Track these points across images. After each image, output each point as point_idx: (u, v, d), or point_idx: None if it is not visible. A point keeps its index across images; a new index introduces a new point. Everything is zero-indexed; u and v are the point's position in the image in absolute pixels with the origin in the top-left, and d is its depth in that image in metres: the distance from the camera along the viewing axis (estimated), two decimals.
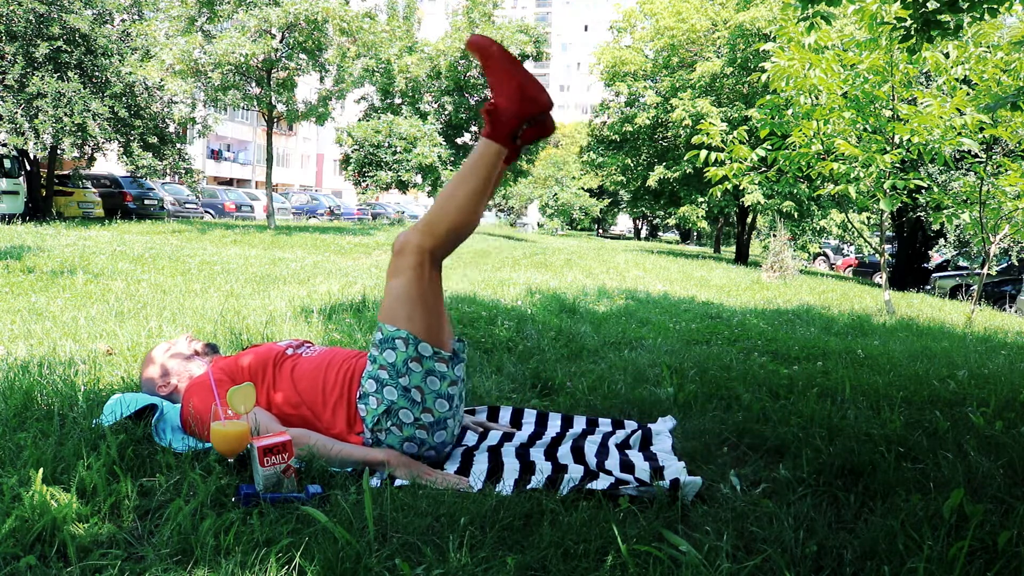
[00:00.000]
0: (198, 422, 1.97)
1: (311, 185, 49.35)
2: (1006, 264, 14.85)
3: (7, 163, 14.61)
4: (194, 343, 2.33)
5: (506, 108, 1.94)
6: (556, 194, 38.57)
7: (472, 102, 23.81)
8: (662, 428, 2.36)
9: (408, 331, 1.93)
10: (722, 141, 8.27)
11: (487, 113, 1.96)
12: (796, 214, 18.22)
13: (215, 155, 40.17)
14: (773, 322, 5.39)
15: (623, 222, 58.20)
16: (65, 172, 17.26)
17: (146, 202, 18.76)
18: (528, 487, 1.80)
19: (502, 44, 1.90)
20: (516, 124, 1.96)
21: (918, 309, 8.69)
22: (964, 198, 8.02)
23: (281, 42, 15.09)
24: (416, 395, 1.94)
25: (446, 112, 23.48)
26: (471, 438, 2.27)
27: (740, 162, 7.56)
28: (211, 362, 2.27)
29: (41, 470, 1.58)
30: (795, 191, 15.28)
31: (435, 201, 2.00)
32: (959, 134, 6.56)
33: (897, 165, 7.31)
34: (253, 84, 15.60)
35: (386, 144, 21.09)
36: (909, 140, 6.72)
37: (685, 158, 12.81)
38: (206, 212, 23.31)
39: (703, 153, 7.21)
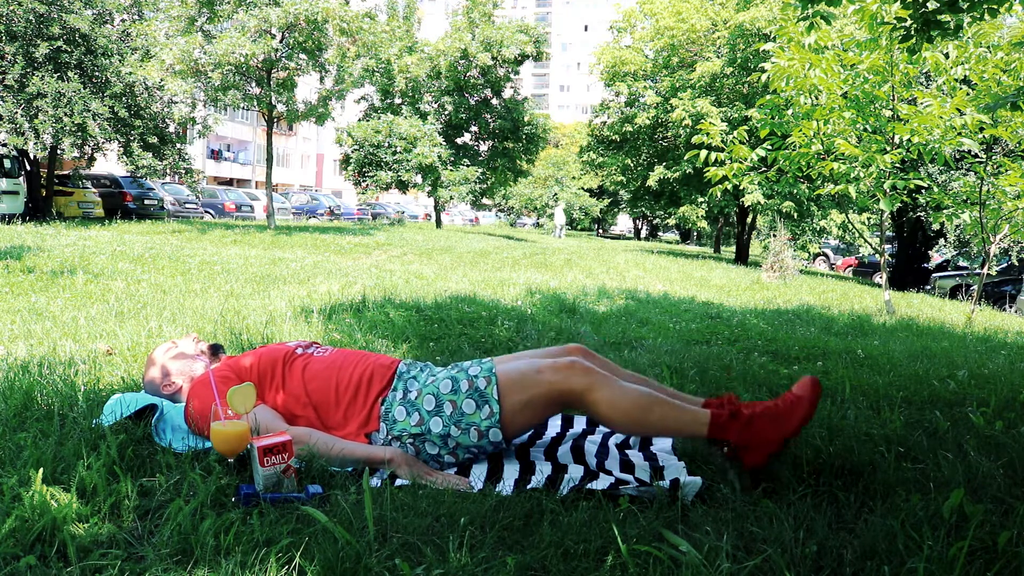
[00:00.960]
0: (199, 422, 1.97)
1: (311, 185, 49.35)
2: (1006, 264, 14.84)
3: (7, 163, 14.61)
4: (200, 344, 2.33)
5: (751, 465, 1.85)
6: (556, 194, 38.56)
7: (472, 102, 23.82)
8: None
9: (501, 414, 1.94)
10: (722, 141, 8.27)
11: (727, 447, 1.88)
12: (796, 214, 18.22)
13: (215, 155, 40.17)
14: (773, 322, 5.39)
15: (623, 222, 58.19)
16: (65, 172, 17.25)
17: (146, 202, 18.76)
18: (528, 487, 1.81)
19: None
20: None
21: (918, 309, 8.69)
22: (964, 198, 8.02)
23: (281, 42, 15.08)
24: (451, 443, 1.97)
25: (446, 112, 23.47)
26: None
27: (740, 162, 7.56)
28: (217, 363, 2.27)
29: (41, 470, 1.58)
30: (795, 191, 15.28)
31: (643, 421, 1.92)
32: (959, 134, 6.56)
33: (897, 165, 7.31)
34: (253, 84, 15.59)
35: (386, 144, 21.09)
36: (909, 140, 6.72)
37: (685, 158, 12.82)
38: (206, 212, 23.30)
39: (703, 153, 7.21)
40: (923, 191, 7.96)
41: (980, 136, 6.92)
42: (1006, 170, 7.36)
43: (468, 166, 22.88)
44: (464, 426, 1.94)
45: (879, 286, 14.56)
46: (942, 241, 18.14)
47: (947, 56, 6.86)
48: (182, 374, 2.23)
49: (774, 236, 14.73)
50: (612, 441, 2.23)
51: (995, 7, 3.08)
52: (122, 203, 18.11)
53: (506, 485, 1.83)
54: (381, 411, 2.01)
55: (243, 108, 16.19)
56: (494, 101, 24.40)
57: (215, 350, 2.32)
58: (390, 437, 1.98)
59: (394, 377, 2.07)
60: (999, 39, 6.73)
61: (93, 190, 17.75)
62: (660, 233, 52.69)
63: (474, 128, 24.73)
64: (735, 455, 1.86)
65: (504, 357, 2.14)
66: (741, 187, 8.81)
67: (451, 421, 1.94)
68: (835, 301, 8.81)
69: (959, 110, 6.52)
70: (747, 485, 1.82)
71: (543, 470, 1.93)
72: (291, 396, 2.06)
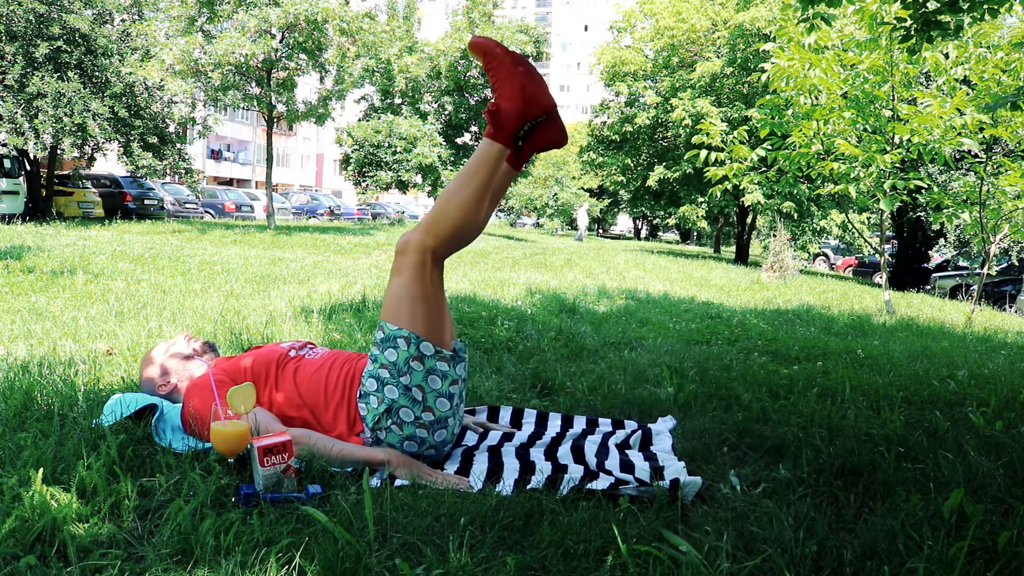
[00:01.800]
0: (198, 422, 1.97)
1: (311, 185, 49.35)
2: (1006, 264, 14.84)
3: (7, 163, 14.61)
4: (192, 342, 2.33)
5: (508, 109, 1.94)
6: (556, 194, 38.54)
7: (472, 102, 23.82)
8: (662, 428, 2.36)
9: (410, 330, 1.93)
10: (722, 141, 8.27)
11: (489, 114, 1.96)
12: (796, 214, 18.22)
13: (215, 155, 40.17)
14: (773, 322, 5.39)
15: (623, 222, 58.19)
16: (65, 172, 17.26)
17: (146, 202, 18.76)
18: (528, 487, 1.80)
19: (504, 44, 1.90)
20: (518, 125, 1.96)
21: (918, 309, 8.69)
22: (964, 198, 8.02)
23: (281, 42, 15.09)
24: (417, 394, 1.94)
25: (446, 112, 23.48)
26: (471, 438, 2.27)
27: (740, 162, 7.56)
28: (211, 361, 2.27)
29: (41, 470, 1.58)
30: (795, 191, 15.27)
31: (437, 201, 2.00)
32: (959, 134, 6.56)
33: (897, 165, 7.31)
34: (253, 84, 15.59)
35: (386, 144, 21.09)
36: (909, 140, 6.72)
37: (685, 158, 12.82)
38: (206, 212, 23.30)
39: (703, 153, 7.21)
40: (923, 191, 7.96)
41: (980, 136, 6.92)
42: (1006, 170, 7.36)
43: None
44: (406, 370, 1.93)
45: (879, 286, 14.56)
46: (942, 241, 18.15)
47: (947, 56, 6.86)
48: (179, 373, 2.23)
49: (774, 236, 14.73)
50: (612, 441, 2.23)
51: (995, 7, 3.08)
52: (122, 203, 18.12)
53: (506, 485, 1.83)
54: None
55: (243, 108, 16.19)
56: None
57: (208, 348, 2.33)
58: (373, 433, 1.98)
59: None
60: (999, 39, 6.73)
61: (93, 190, 17.75)
62: (660, 233, 52.69)
63: (474, 128, 24.73)
64: (497, 112, 1.95)
65: None
66: (741, 187, 8.81)
67: (396, 377, 1.94)
68: (835, 301, 8.82)
69: (959, 110, 6.52)
70: (746, 486, 1.82)
71: (543, 470, 1.92)
72: (285, 398, 2.07)
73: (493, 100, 1.97)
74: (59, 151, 14.65)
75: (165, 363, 2.25)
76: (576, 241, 24.79)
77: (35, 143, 13.81)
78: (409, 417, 1.95)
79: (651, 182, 20.12)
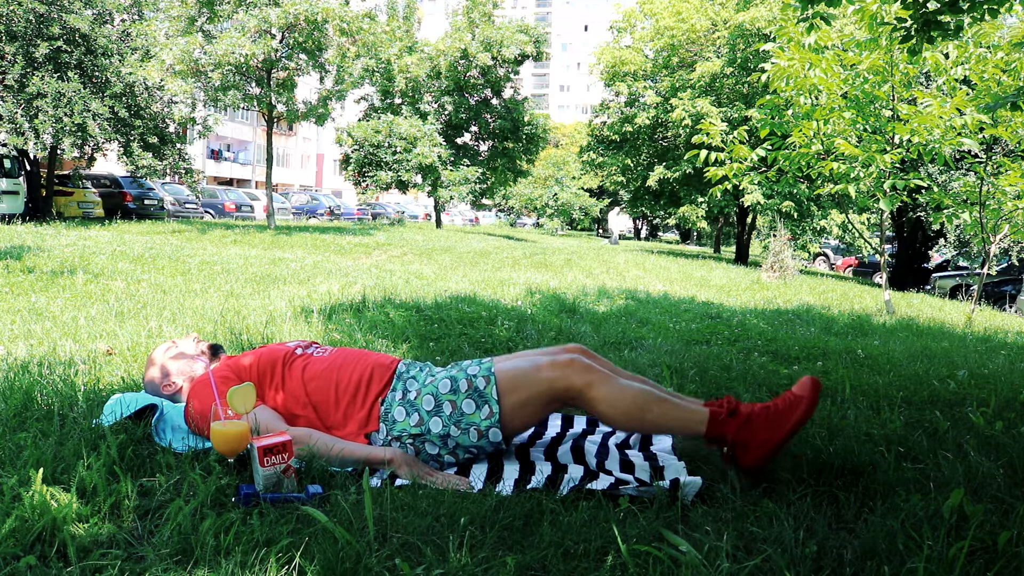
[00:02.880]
0: (199, 422, 1.97)
1: (311, 185, 49.35)
2: (1006, 264, 14.84)
3: (7, 163, 14.61)
4: (200, 344, 2.33)
5: (747, 464, 1.84)
6: (556, 194, 38.55)
7: (472, 102, 23.81)
8: None
9: (501, 413, 1.94)
10: (722, 141, 8.27)
11: (727, 459, 1.89)
12: (796, 214, 18.22)
13: (215, 155, 40.16)
14: (773, 322, 5.39)
15: (623, 222, 58.17)
16: (65, 172, 17.25)
17: (146, 202, 18.76)
18: (528, 487, 1.80)
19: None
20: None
21: (918, 309, 8.69)
22: (964, 198, 8.01)
23: (281, 42, 15.08)
24: (451, 444, 1.97)
25: (446, 112, 23.47)
26: None
27: (740, 162, 7.56)
28: (217, 363, 2.27)
29: (41, 470, 1.58)
30: (795, 191, 15.28)
31: (643, 418, 1.92)
32: (959, 134, 6.56)
33: (897, 165, 7.31)
34: (253, 84, 15.59)
35: (386, 144, 21.09)
36: (909, 140, 6.72)
37: (685, 158, 12.82)
38: (206, 212, 23.30)
39: (703, 153, 7.21)
40: (923, 191, 7.96)
41: (980, 136, 6.92)
42: (1006, 170, 7.36)
43: (468, 166, 22.87)
44: (464, 426, 1.94)
45: (879, 286, 14.56)
46: (942, 241, 18.15)
47: (947, 56, 6.86)
48: (182, 374, 2.23)
49: (774, 236, 14.73)
50: (612, 441, 2.23)
51: (995, 7, 3.08)
52: (122, 203, 18.11)
53: (506, 485, 1.83)
54: (381, 411, 2.01)
55: (243, 108, 16.19)
56: (494, 101, 24.40)
57: (215, 350, 2.32)
58: (390, 437, 1.98)
59: (393, 377, 2.07)
60: (999, 39, 6.73)
61: (93, 190, 17.75)
62: (660, 233, 52.68)
63: (474, 128, 24.73)
64: (733, 454, 1.86)
65: (503, 357, 2.14)
66: (741, 187, 8.81)
67: (450, 421, 1.94)
68: (835, 301, 8.81)
69: (959, 110, 6.52)
70: (747, 485, 1.82)
71: (543, 470, 1.92)
72: (291, 396, 2.06)
73: (737, 448, 1.85)
74: (59, 151, 14.65)
75: (167, 364, 2.25)
76: (612, 244, 25.05)
77: (35, 143, 13.81)
78: (432, 451, 1.98)
79: (651, 182, 20.12)
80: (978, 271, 13.14)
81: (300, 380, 2.07)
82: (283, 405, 2.06)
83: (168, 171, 17.07)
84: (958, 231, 15.87)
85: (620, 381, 1.94)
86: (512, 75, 24.21)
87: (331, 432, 2.01)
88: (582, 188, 39.51)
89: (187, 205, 22.00)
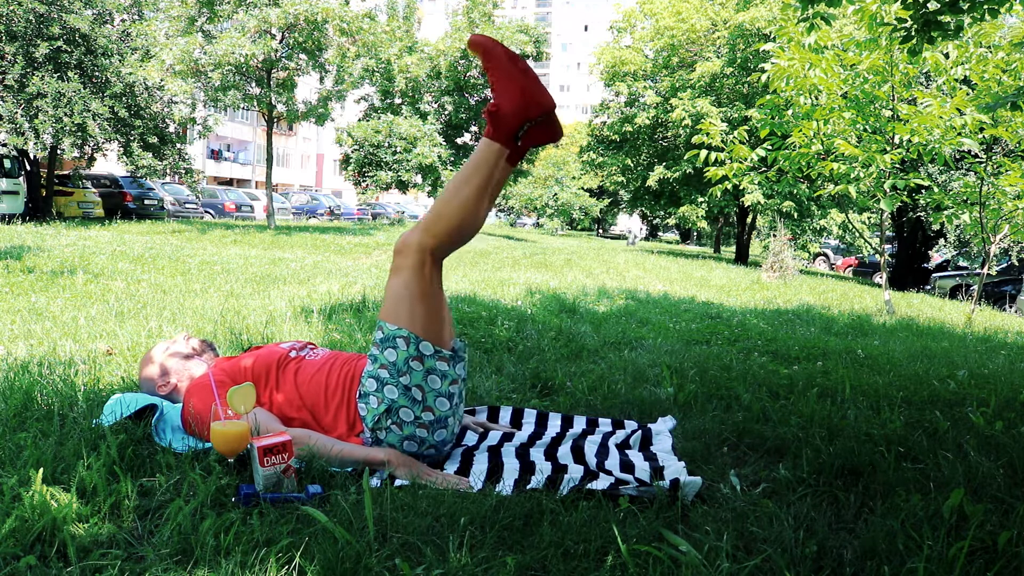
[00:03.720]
0: (198, 422, 1.97)
1: (311, 185, 49.34)
2: (1006, 264, 14.84)
3: (7, 163, 14.61)
4: (191, 341, 2.33)
5: (508, 109, 1.95)
6: (556, 194, 38.55)
7: (472, 102, 23.81)
8: (662, 428, 2.36)
9: (409, 330, 1.93)
10: (722, 141, 8.27)
11: (488, 114, 1.97)
12: (796, 214, 18.23)
13: (215, 155, 40.16)
14: (773, 322, 5.39)
15: (623, 222, 58.21)
16: (65, 172, 17.25)
17: (146, 202, 18.76)
18: (528, 487, 1.80)
19: (504, 44, 1.91)
20: (517, 125, 1.97)
21: (918, 309, 8.69)
22: (964, 198, 8.02)
23: (281, 42, 15.09)
24: (417, 394, 1.95)
25: (446, 112, 23.48)
26: (471, 438, 2.27)
27: (740, 162, 7.56)
28: (210, 361, 2.27)
29: (41, 470, 1.58)
30: (795, 191, 15.29)
31: (436, 201, 2.01)
32: (959, 134, 6.56)
33: (897, 165, 7.31)
34: (253, 84, 15.59)
35: (386, 144, 21.09)
36: (909, 140, 6.72)
37: (685, 158, 12.82)
38: (206, 212, 23.30)
39: (703, 153, 7.21)
40: (923, 191, 7.96)
41: (980, 136, 6.92)
42: (1006, 170, 7.36)
43: None
44: (406, 370, 1.93)
45: (879, 286, 14.56)
46: (942, 241, 18.15)
47: (947, 56, 6.86)
48: (179, 373, 2.23)
49: (774, 236, 14.73)
50: (612, 441, 2.23)
51: (995, 7, 3.08)
52: (122, 203, 18.11)
53: (506, 485, 1.83)
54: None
55: (243, 108, 16.19)
56: None
57: (207, 347, 2.33)
58: (373, 433, 1.98)
59: None
60: (999, 39, 6.73)
61: (93, 190, 17.75)
62: (660, 233, 52.69)
63: (474, 128, 24.72)
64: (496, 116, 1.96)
65: None
66: (741, 187, 8.81)
67: (395, 377, 1.94)
68: (835, 301, 8.81)
69: (959, 110, 6.53)
70: (746, 485, 1.82)
71: (543, 470, 1.92)
72: (285, 399, 2.07)
73: (493, 100, 1.97)
74: (59, 151, 14.65)
75: (164, 363, 2.25)
76: (629, 245, 25.31)
77: (35, 143, 13.81)
78: (409, 417, 1.95)
79: (651, 182, 20.13)
80: (978, 271, 13.15)
81: (293, 384, 2.08)
82: (279, 408, 2.06)
83: (168, 171, 17.08)
84: (958, 231, 15.88)
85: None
86: None
87: (327, 434, 2.01)
88: (582, 188, 39.51)
89: (187, 205, 22.00)
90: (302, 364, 2.12)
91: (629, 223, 30.42)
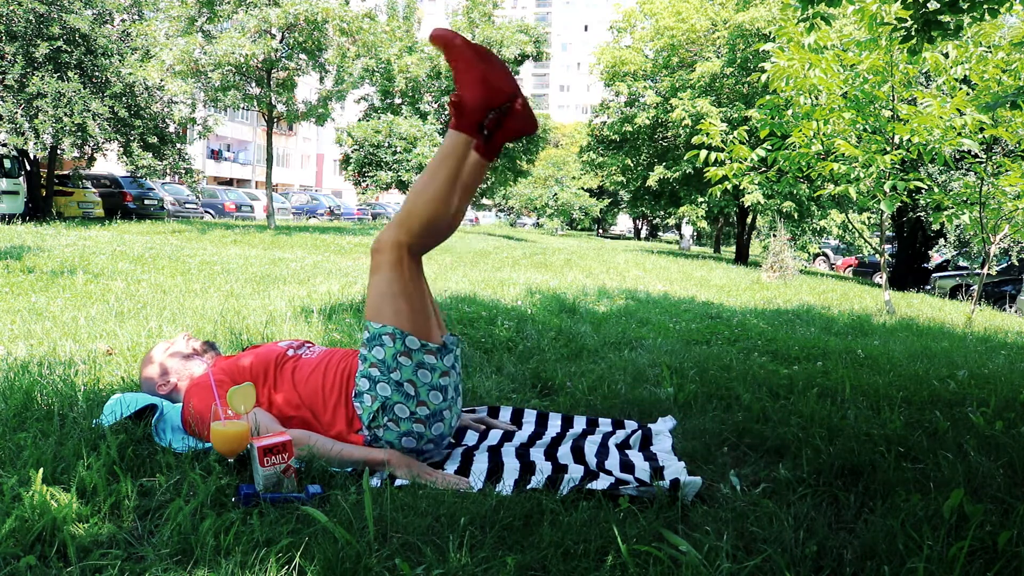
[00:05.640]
0: (198, 422, 1.97)
1: (311, 185, 49.34)
2: (1006, 264, 14.84)
3: (7, 163, 14.61)
4: (192, 341, 2.33)
5: (469, 98, 1.94)
6: (556, 194, 38.56)
7: None
8: (662, 428, 2.36)
9: (394, 326, 1.94)
10: (722, 141, 8.27)
11: (452, 105, 1.97)
12: (796, 214, 18.23)
13: (215, 155, 40.16)
14: (773, 322, 5.39)
15: (623, 222, 58.19)
16: (65, 172, 17.24)
17: (146, 202, 18.76)
18: (528, 487, 1.80)
19: (464, 35, 1.92)
20: (481, 114, 1.97)
21: (918, 309, 8.69)
22: (964, 198, 8.01)
23: (281, 42, 15.09)
24: (409, 389, 1.95)
25: (446, 112, 23.47)
26: (471, 438, 2.27)
27: (740, 162, 7.56)
28: (211, 361, 2.27)
29: (41, 470, 1.58)
30: (795, 191, 15.28)
31: (407, 196, 2.01)
32: (959, 134, 6.56)
33: (897, 165, 7.31)
34: (253, 84, 15.59)
35: (386, 144, 21.09)
36: (909, 140, 6.72)
37: (685, 158, 12.81)
38: (206, 212, 23.29)
39: (703, 153, 7.21)
40: (923, 191, 7.96)
41: (980, 136, 6.92)
42: (1006, 170, 7.36)
43: None
44: (395, 366, 1.94)
45: (879, 286, 14.56)
46: (942, 241, 18.14)
47: (947, 56, 6.86)
48: (179, 373, 2.23)
49: (774, 236, 14.72)
50: (612, 441, 2.23)
51: (995, 7, 3.08)
52: (122, 203, 18.11)
53: (506, 485, 1.83)
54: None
55: (243, 108, 16.19)
56: None
57: (208, 347, 2.33)
58: (371, 431, 1.98)
59: None
60: (999, 39, 6.73)
61: (93, 190, 17.74)
62: (660, 233, 52.68)
63: None
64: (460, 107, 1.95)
65: None
66: (741, 187, 8.81)
67: (386, 374, 1.94)
68: (835, 301, 8.81)
69: (959, 110, 6.52)
70: (746, 485, 1.82)
71: (543, 470, 1.92)
72: (284, 399, 2.07)
73: (456, 91, 1.97)
74: (59, 151, 14.65)
75: (165, 363, 2.25)
76: (683, 248, 25.72)
77: (35, 143, 13.81)
78: (404, 413, 1.95)
79: (651, 182, 20.13)
80: (978, 271, 13.15)
81: (291, 382, 2.08)
82: (278, 407, 2.06)
83: (168, 171, 17.07)
84: (958, 231, 15.87)
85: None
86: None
87: (327, 433, 2.01)
88: (582, 188, 39.52)
89: (187, 205, 22.00)
90: (299, 363, 2.13)
91: (684, 229, 32.27)
